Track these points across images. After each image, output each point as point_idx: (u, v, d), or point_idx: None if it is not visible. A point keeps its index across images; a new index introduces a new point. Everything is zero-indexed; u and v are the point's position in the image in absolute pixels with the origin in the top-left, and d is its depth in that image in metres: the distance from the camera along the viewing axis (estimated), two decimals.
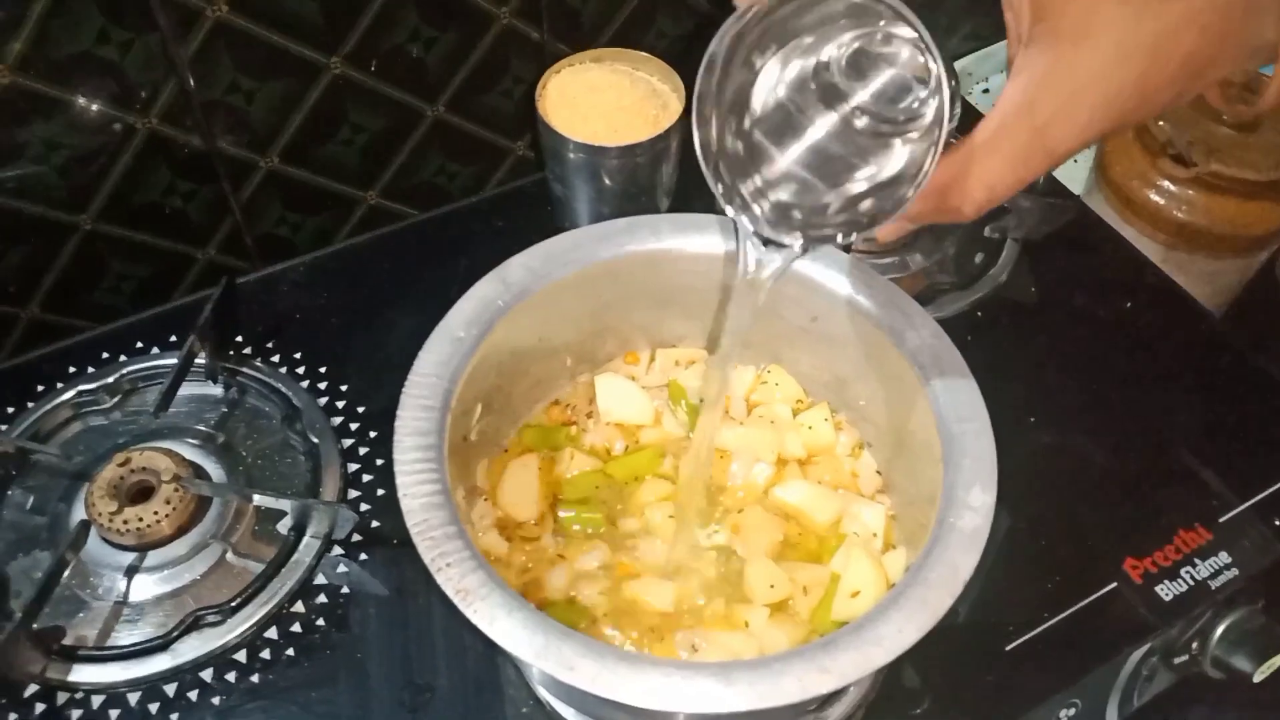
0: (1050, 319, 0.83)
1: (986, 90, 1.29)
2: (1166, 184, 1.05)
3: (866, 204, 0.46)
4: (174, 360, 0.74)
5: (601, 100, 0.80)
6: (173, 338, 0.80)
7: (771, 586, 0.60)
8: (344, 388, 0.78)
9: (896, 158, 0.45)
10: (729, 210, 0.48)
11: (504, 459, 0.67)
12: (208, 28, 0.72)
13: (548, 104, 0.80)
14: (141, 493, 0.69)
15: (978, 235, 0.87)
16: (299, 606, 0.67)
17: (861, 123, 0.46)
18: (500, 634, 0.47)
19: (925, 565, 0.50)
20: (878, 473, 0.66)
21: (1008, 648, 0.65)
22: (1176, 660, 0.70)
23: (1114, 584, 0.67)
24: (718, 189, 0.47)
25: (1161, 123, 1.04)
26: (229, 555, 0.69)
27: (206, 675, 0.64)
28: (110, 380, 0.77)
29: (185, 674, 0.64)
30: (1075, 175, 1.18)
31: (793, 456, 0.66)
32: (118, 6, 0.69)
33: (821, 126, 0.47)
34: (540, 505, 0.64)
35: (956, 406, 0.56)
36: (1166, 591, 0.67)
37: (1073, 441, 0.75)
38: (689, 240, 0.64)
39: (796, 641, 0.58)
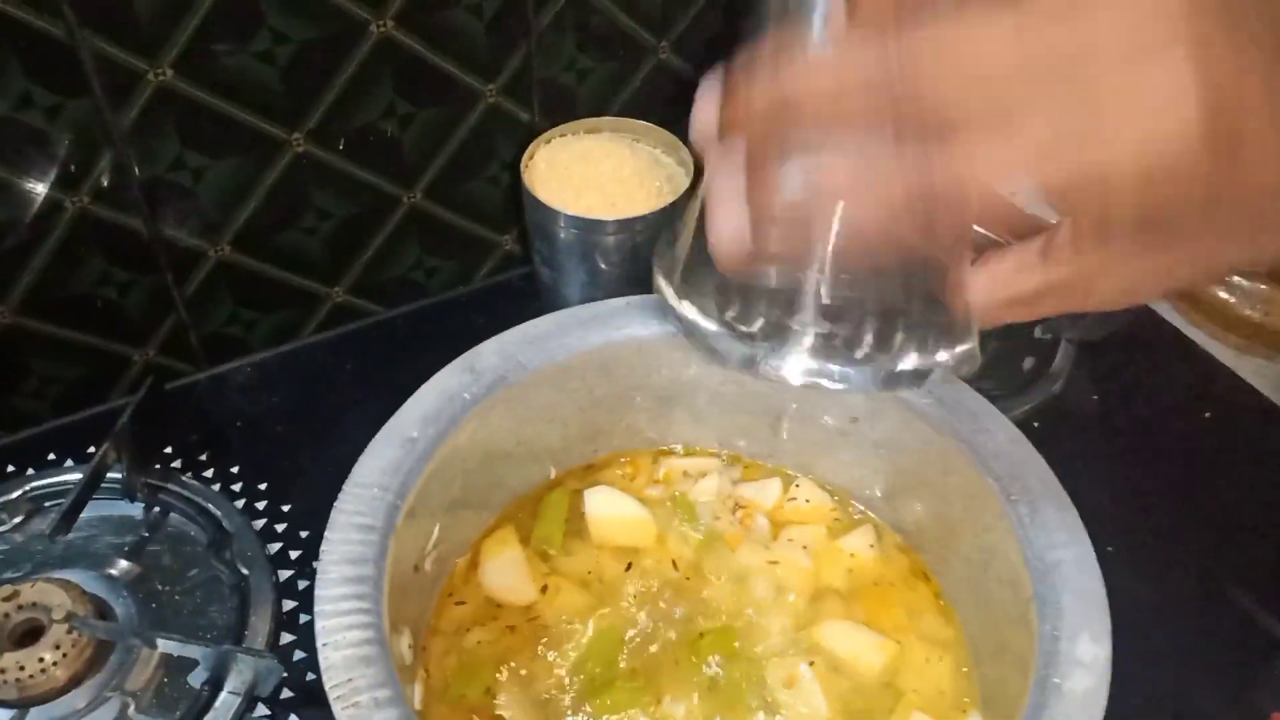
0: (1118, 432, 0.74)
1: None
2: (1238, 280, 0.94)
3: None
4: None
5: (597, 171, 0.70)
6: (91, 449, 0.68)
7: None
8: (285, 508, 0.66)
9: None
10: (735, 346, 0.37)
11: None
12: (149, 92, 0.63)
13: (535, 176, 0.70)
14: (30, 633, 0.57)
15: (1026, 336, 0.77)
16: None
17: None
18: None
19: None
20: (942, 610, 0.53)
21: None
22: None
23: None
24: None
25: None
26: (131, 711, 0.56)
27: None
28: (12, 497, 0.66)
29: None
30: None
31: (831, 589, 0.53)
32: (44, 64, 0.60)
33: None
34: (534, 588, 0.53)
35: (1048, 529, 0.44)
36: None
37: (1165, 576, 0.64)
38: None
39: None
